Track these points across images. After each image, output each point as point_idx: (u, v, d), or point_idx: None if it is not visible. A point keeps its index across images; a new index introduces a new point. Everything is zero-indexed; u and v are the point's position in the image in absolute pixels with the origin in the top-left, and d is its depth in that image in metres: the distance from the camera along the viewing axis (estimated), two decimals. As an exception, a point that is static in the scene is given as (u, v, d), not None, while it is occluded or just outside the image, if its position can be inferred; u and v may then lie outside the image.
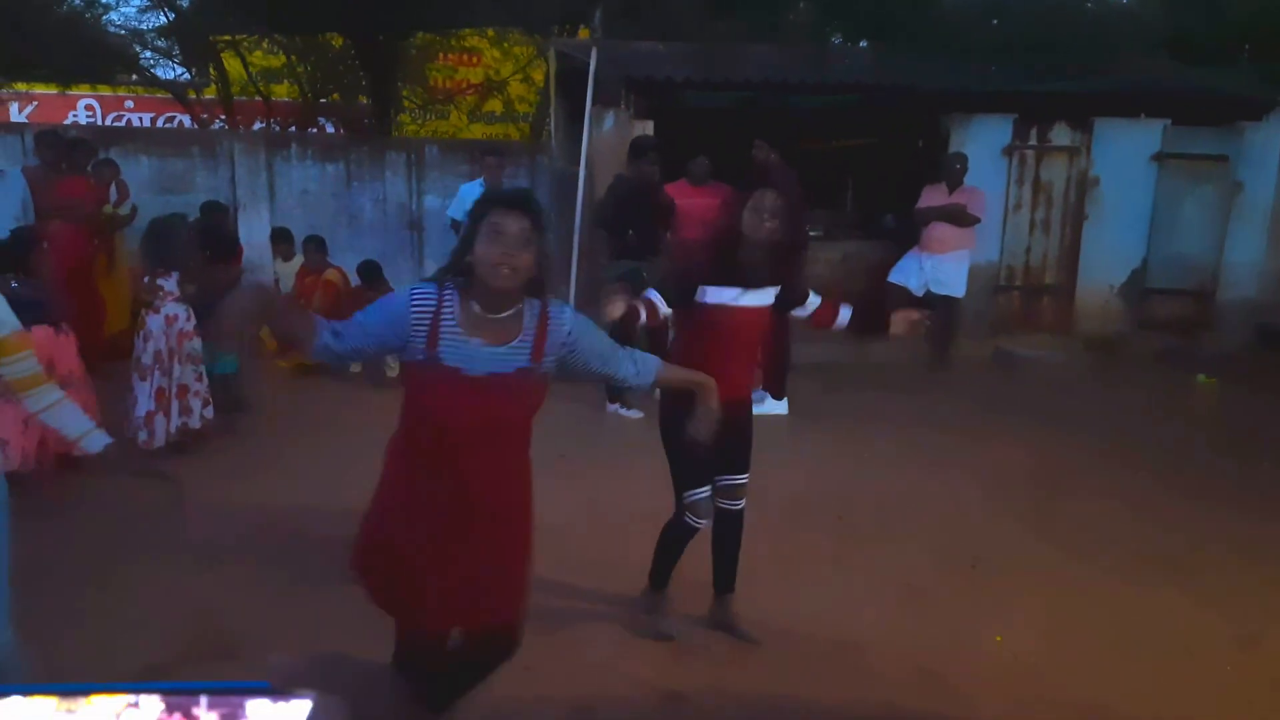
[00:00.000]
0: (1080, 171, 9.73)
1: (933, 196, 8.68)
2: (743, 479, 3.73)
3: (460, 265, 2.43)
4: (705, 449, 3.12)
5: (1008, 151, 9.58)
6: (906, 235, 9.02)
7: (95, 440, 2.70)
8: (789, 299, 3.68)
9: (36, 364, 2.59)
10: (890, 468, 5.90)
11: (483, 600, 2.59)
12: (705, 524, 3.68)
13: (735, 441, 3.61)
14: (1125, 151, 9.65)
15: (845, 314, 3.81)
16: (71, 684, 0.48)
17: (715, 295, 3.48)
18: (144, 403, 5.81)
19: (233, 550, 4.52)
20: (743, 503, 3.75)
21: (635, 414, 7.02)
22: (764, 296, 3.56)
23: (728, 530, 3.80)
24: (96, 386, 5.74)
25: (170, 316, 5.84)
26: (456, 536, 2.52)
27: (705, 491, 3.63)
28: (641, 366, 2.71)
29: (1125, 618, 4.09)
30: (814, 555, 4.55)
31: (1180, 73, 10.04)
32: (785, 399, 7.22)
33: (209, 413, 6.09)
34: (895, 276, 8.85)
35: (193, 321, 5.95)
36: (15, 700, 0.47)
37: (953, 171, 8.58)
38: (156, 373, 5.81)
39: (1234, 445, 6.71)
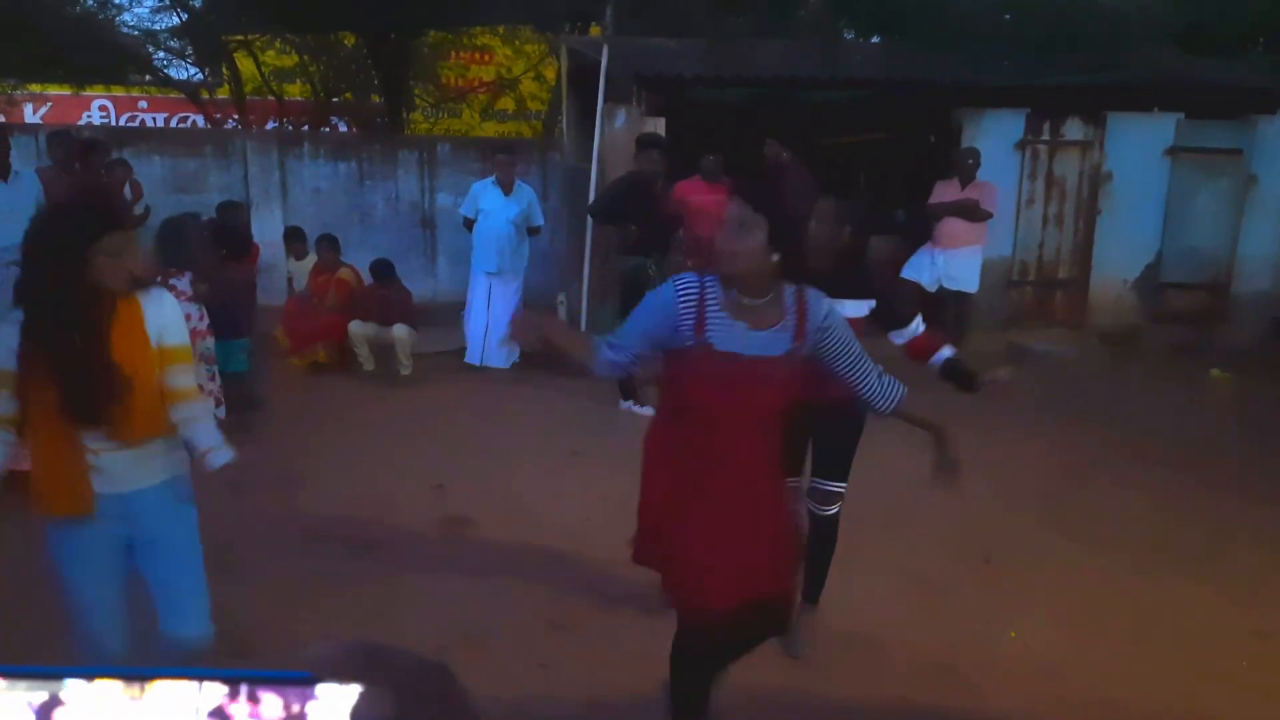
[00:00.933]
0: (1093, 166, 9.68)
1: (945, 192, 8.66)
2: (836, 487, 3.60)
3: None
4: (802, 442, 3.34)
5: (1020, 146, 9.55)
6: (919, 230, 9.00)
7: (217, 457, 2.72)
8: (887, 318, 3.57)
9: (193, 379, 2.71)
10: (903, 462, 5.87)
11: (757, 573, 2.66)
12: (832, 512, 3.62)
13: (830, 441, 3.57)
14: (1138, 145, 9.60)
15: (945, 353, 3.55)
16: (133, 667, 0.49)
17: None
18: None
19: (246, 549, 4.54)
20: (833, 510, 3.63)
21: (648, 411, 7.02)
22: (855, 308, 3.43)
23: (816, 536, 3.66)
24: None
25: (183, 316, 5.85)
26: (723, 516, 2.59)
27: (831, 485, 3.57)
28: (888, 389, 2.71)
29: (1141, 611, 4.08)
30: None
31: (1193, 66, 9.98)
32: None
33: (221, 412, 6.10)
34: (908, 272, 8.83)
35: (205, 321, 5.97)
36: (77, 683, 0.48)
37: (965, 167, 8.56)
38: None
39: (1250, 438, 6.67)
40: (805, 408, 2.72)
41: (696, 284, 2.53)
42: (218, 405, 6.06)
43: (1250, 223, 9.81)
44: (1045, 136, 9.62)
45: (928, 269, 8.70)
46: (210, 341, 6.00)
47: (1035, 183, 9.66)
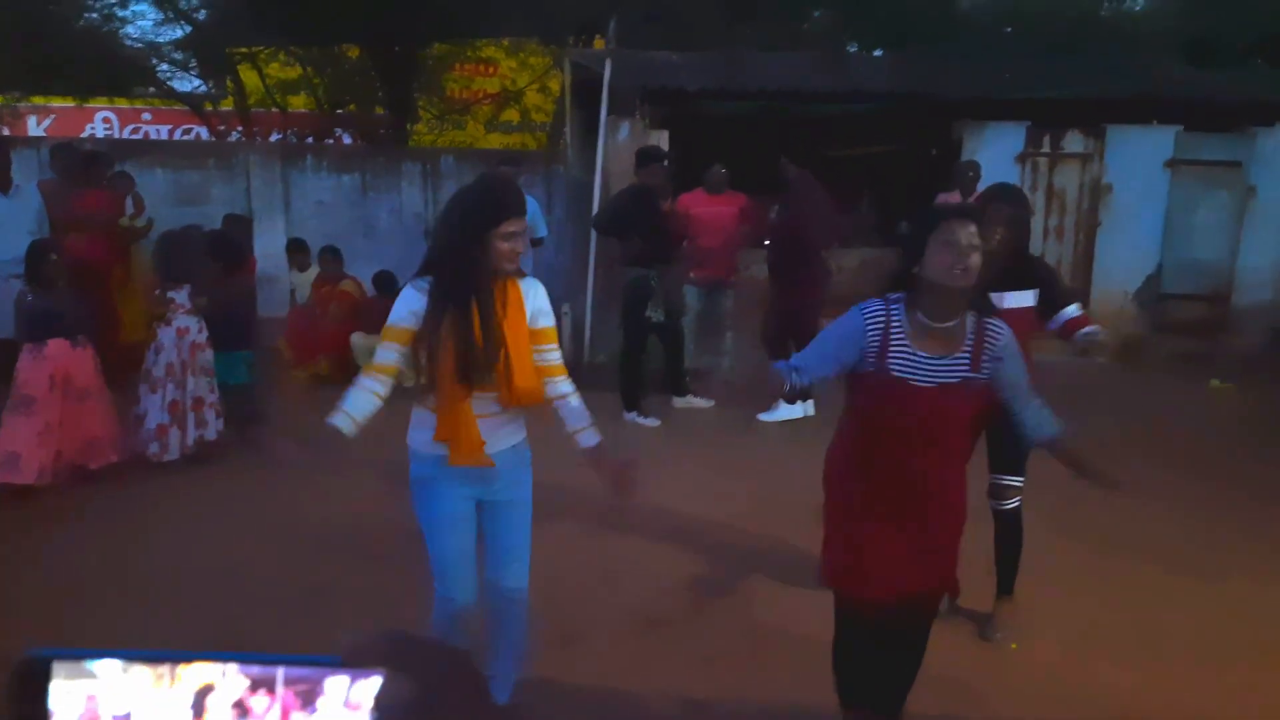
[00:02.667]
0: (1093, 178, 9.72)
1: (947, 204, 8.69)
2: (1012, 480, 3.85)
3: (906, 278, 2.65)
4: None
5: (1021, 159, 9.59)
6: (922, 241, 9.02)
7: (587, 437, 2.95)
8: (1050, 304, 3.79)
9: (560, 357, 2.94)
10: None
11: (925, 568, 2.80)
12: (1011, 505, 3.86)
13: (1003, 436, 3.66)
14: (1138, 158, 9.63)
15: (1088, 329, 3.80)
16: (168, 651, 0.51)
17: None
18: (155, 415, 5.84)
19: (249, 561, 4.55)
20: (1012, 504, 3.86)
21: (652, 422, 7.04)
22: (1020, 298, 3.68)
23: (1002, 530, 3.90)
24: (115, 398, 5.80)
25: (182, 329, 5.87)
26: (904, 520, 2.73)
27: (1007, 479, 3.82)
28: (1043, 421, 2.83)
29: (1146, 622, 4.08)
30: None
31: (1193, 78, 10.01)
32: (811, 400, 7.26)
33: (220, 425, 6.12)
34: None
35: (205, 333, 5.98)
36: (113, 663, 0.49)
37: (966, 179, 8.55)
38: (170, 385, 5.84)
39: (1253, 449, 6.68)
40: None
41: (883, 310, 2.64)
42: (218, 417, 6.08)
43: (1250, 234, 9.83)
44: (1045, 149, 9.65)
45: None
46: (209, 354, 6.01)
47: (1036, 195, 9.67)
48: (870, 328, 2.62)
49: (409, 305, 2.74)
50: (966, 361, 2.63)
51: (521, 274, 2.86)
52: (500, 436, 2.87)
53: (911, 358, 2.60)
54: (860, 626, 2.92)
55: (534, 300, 2.86)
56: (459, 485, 2.86)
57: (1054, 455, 2.91)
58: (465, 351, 2.68)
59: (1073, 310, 3.76)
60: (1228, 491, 5.65)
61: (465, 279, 2.71)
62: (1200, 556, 4.72)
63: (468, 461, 2.80)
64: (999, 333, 2.68)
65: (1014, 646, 3.87)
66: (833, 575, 2.90)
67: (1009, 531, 3.91)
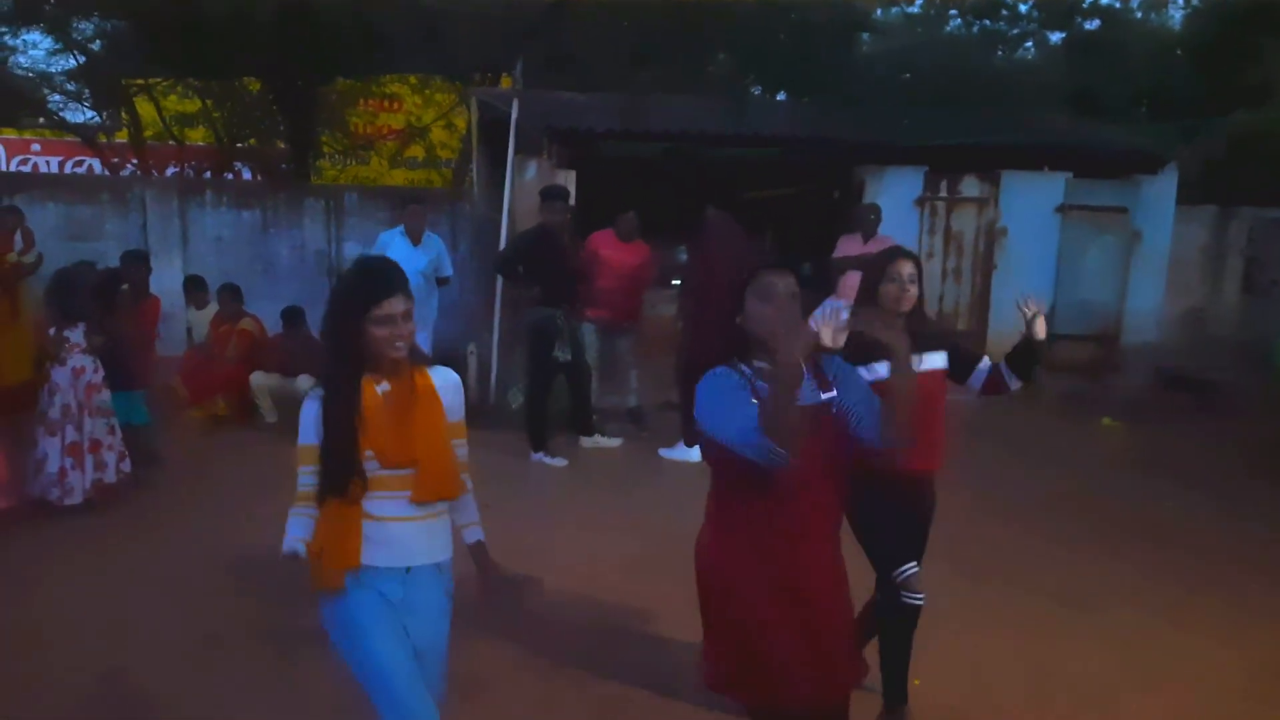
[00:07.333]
0: (989, 222, 10.04)
1: (848, 246, 8.84)
2: (918, 568, 3.46)
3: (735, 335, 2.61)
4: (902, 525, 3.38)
5: (919, 202, 9.85)
6: (824, 283, 9.18)
7: (473, 533, 2.78)
8: (961, 364, 3.58)
9: (466, 453, 2.71)
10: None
11: (839, 660, 2.63)
12: (922, 599, 3.41)
13: (919, 519, 3.54)
14: (1031, 202, 10.00)
15: (1009, 376, 3.57)
16: None
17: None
18: (55, 459, 5.61)
19: (144, 609, 4.37)
20: (923, 596, 3.42)
21: (559, 462, 6.99)
22: (934, 359, 3.48)
23: (904, 627, 3.46)
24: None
25: (77, 369, 5.67)
26: (803, 601, 2.57)
27: (915, 567, 3.41)
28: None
29: (1038, 658, 4.17)
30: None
31: (1081, 128, 10.44)
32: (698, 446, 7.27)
33: (126, 466, 5.91)
34: (813, 324, 8.96)
35: (100, 373, 5.77)
36: None
37: (867, 222, 8.76)
38: (69, 428, 5.63)
39: (1137, 487, 6.90)
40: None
41: (733, 370, 2.58)
42: (122, 459, 5.87)
43: (1135, 277, 10.27)
44: (943, 193, 9.94)
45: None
46: (106, 394, 5.80)
47: (934, 238, 9.97)
48: (739, 383, 2.55)
49: (310, 419, 2.49)
50: (814, 384, 2.61)
51: (429, 360, 2.65)
52: (424, 548, 2.61)
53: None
54: None
55: (448, 392, 2.64)
56: (381, 593, 2.55)
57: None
58: (341, 454, 2.44)
59: (987, 365, 3.62)
60: (1108, 534, 5.81)
61: (347, 372, 2.47)
62: (1083, 597, 4.83)
63: (327, 582, 2.50)
64: (829, 359, 2.69)
65: (915, 682, 3.88)
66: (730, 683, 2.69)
67: (909, 629, 3.46)
